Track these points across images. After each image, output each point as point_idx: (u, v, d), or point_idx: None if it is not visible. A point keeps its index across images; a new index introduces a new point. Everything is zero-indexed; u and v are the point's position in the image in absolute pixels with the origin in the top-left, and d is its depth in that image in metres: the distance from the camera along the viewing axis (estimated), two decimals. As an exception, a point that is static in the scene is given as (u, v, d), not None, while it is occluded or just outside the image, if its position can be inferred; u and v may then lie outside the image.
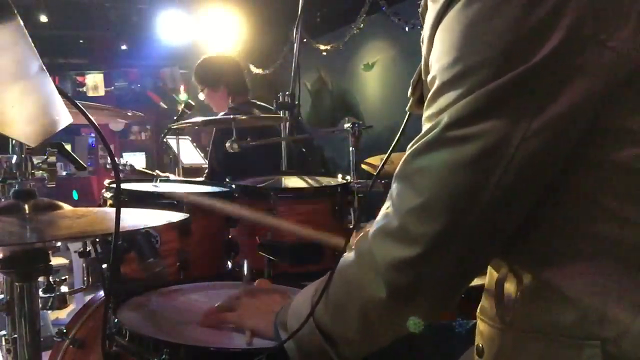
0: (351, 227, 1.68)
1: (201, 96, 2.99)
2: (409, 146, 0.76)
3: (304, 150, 2.82)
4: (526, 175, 0.68)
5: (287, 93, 2.40)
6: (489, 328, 0.79)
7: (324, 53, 5.73)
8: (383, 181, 2.10)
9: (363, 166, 2.75)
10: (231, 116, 2.07)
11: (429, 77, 0.75)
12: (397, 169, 0.77)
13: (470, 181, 0.69)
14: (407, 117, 0.93)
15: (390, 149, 0.94)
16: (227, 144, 2.03)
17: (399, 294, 0.75)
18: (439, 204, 0.70)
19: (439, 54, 0.73)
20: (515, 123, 0.66)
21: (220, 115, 2.80)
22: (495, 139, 0.67)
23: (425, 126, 0.74)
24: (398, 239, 0.74)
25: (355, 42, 5.58)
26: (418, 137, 0.74)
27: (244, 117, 2.17)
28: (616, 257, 0.69)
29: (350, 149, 2.03)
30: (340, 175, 1.89)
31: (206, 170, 2.88)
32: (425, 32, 0.78)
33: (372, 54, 5.85)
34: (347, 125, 2.03)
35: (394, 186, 0.76)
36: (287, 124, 2.49)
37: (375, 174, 2.61)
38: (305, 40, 5.16)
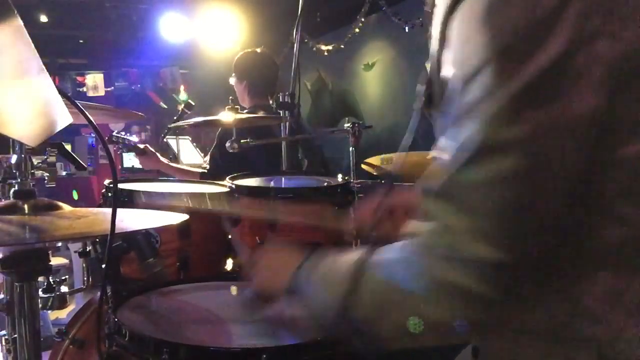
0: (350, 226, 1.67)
1: (231, 81, 3.03)
2: (434, 153, 0.72)
3: (298, 150, 2.82)
4: (572, 176, 0.65)
5: (287, 93, 2.40)
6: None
7: (324, 53, 5.73)
8: (383, 181, 2.10)
9: (363, 166, 2.74)
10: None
11: (446, 73, 0.73)
12: (437, 183, 0.71)
13: (520, 194, 0.65)
14: (419, 116, 0.88)
15: (395, 149, 0.89)
16: (227, 144, 2.04)
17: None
18: (493, 223, 0.66)
19: (456, 45, 0.70)
20: (548, 123, 0.63)
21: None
22: (538, 141, 0.64)
23: (451, 128, 0.70)
24: (456, 263, 0.68)
25: (355, 42, 5.58)
26: (459, 147, 0.68)
27: (243, 117, 2.17)
28: (613, 260, 0.69)
29: (350, 149, 2.03)
30: (340, 175, 1.89)
31: (207, 167, 2.86)
32: (435, 29, 0.76)
33: (372, 54, 5.85)
34: (347, 125, 2.02)
35: (440, 203, 0.70)
36: (287, 124, 2.49)
37: (374, 173, 2.62)
38: (305, 40, 5.17)
